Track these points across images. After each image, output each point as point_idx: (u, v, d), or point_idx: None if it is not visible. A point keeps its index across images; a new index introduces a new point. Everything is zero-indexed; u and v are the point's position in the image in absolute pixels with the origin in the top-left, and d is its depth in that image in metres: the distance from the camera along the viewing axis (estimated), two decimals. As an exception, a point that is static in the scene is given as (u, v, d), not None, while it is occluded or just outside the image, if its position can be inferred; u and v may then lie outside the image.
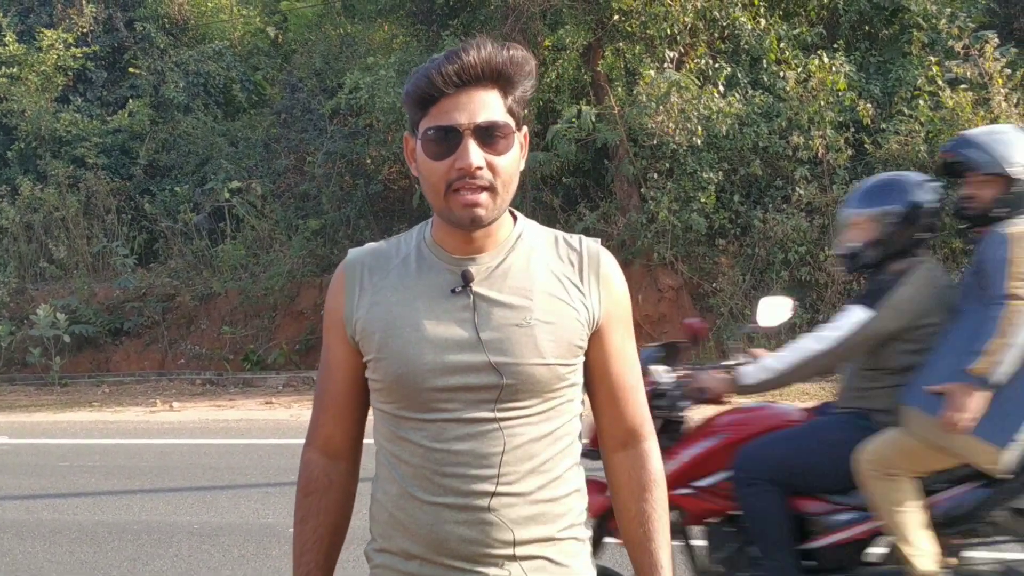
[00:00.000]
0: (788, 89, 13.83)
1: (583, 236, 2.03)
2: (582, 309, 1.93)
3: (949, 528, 3.73)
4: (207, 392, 14.69)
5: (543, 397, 1.88)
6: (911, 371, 3.77)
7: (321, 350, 2.06)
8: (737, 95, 14.05)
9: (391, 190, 16.92)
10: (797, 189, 13.67)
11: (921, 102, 13.55)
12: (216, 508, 7.48)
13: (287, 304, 16.16)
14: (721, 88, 14.12)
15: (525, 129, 1.94)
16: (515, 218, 2.00)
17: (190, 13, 21.26)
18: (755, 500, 3.86)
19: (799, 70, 13.96)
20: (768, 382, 3.93)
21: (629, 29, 14.65)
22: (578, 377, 1.95)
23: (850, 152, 13.71)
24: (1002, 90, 13.06)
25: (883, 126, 13.76)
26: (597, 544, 3.92)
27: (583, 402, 2.01)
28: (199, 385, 15.18)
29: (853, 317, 3.86)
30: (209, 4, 21.66)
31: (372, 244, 2.05)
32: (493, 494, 1.84)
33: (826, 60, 13.73)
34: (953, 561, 3.78)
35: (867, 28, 15.47)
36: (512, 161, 1.88)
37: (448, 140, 1.83)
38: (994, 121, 12.90)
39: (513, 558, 1.86)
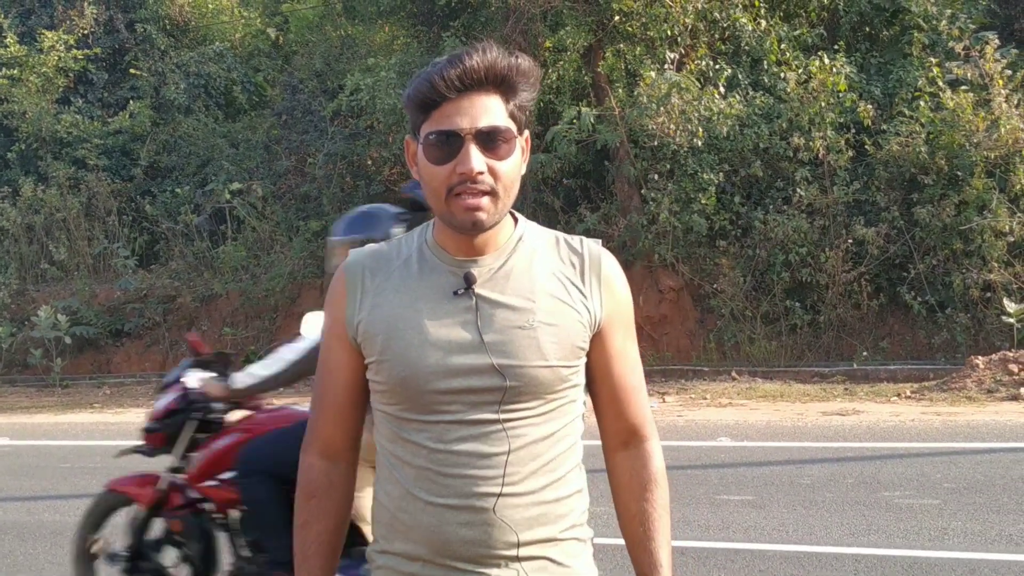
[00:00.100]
0: (789, 90, 13.83)
1: (584, 237, 2.02)
2: (584, 311, 1.93)
3: None
4: (208, 393, 14.66)
5: (546, 398, 1.88)
6: None
7: (320, 353, 2.04)
8: (738, 96, 14.05)
9: (392, 191, 16.91)
10: (798, 190, 13.67)
11: (922, 103, 13.55)
12: (217, 509, 7.47)
13: (288, 305, 16.16)
14: (722, 89, 14.12)
15: (527, 134, 1.94)
16: (516, 220, 1.99)
17: (191, 15, 21.27)
18: (252, 490, 4.25)
19: (800, 71, 13.96)
20: (253, 387, 4.28)
21: (630, 30, 14.65)
22: (580, 378, 1.95)
23: (851, 153, 13.71)
24: (1003, 91, 13.06)
25: (884, 127, 13.77)
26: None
27: (583, 403, 2.01)
28: (200, 386, 15.15)
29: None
30: (210, 6, 21.67)
31: (372, 245, 2.04)
32: (498, 495, 1.84)
33: (827, 61, 13.74)
34: None
35: (868, 29, 15.47)
36: (513, 166, 1.88)
37: (450, 144, 1.83)
38: (995, 122, 12.91)
39: (516, 559, 1.86)
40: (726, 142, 13.90)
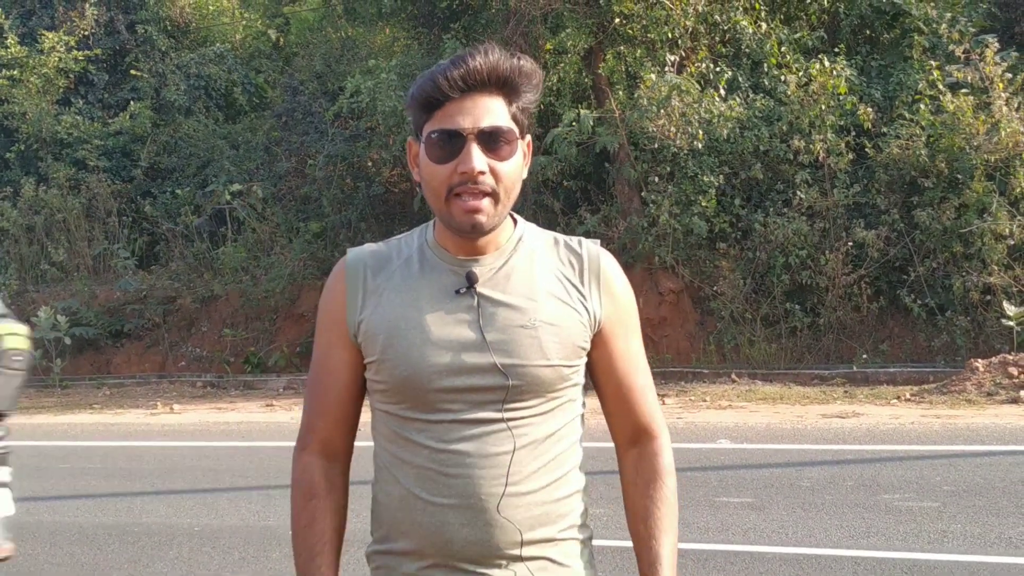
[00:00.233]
0: (789, 93, 13.84)
1: (583, 238, 2.03)
2: (583, 311, 1.93)
3: None
4: (208, 394, 14.69)
5: (547, 397, 1.88)
6: None
7: (314, 351, 2.03)
8: (738, 99, 14.06)
9: (392, 193, 16.93)
10: (798, 193, 13.67)
11: (922, 106, 13.56)
12: (217, 510, 7.49)
13: (288, 307, 16.17)
14: (722, 92, 14.13)
15: (528, 137, 1.94)
16: (515, 221, 2.00)
17: (191, 16, 21.29)
18: None
19: (800, 74, 13.97)
20: None
21: (630, 33, 14.66)
22: (580, 377, 1.96)
23: (851, 156, 13.71)
24: (1003, 94, 13.06)
25: (884, 130, 13.77)
26: None
27: (583, 403, 2.01)
28: (200, 387, 15.18)
29: None
30: (211, 7, 21.69)
31: (371, 245, 2.04)
32: (502, 495, 1.84)
33: (827, 64, 13.74)
34: None
35: (868, 32, 15.48)
36: (515, 167, 1.89)
37: (451, 144, 1.83)
38: (995, 125, 12.91)
39: (519, 559, 1.87)
40: (726, 144, 13.90)
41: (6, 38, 19.23)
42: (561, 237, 2.02)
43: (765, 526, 6.35)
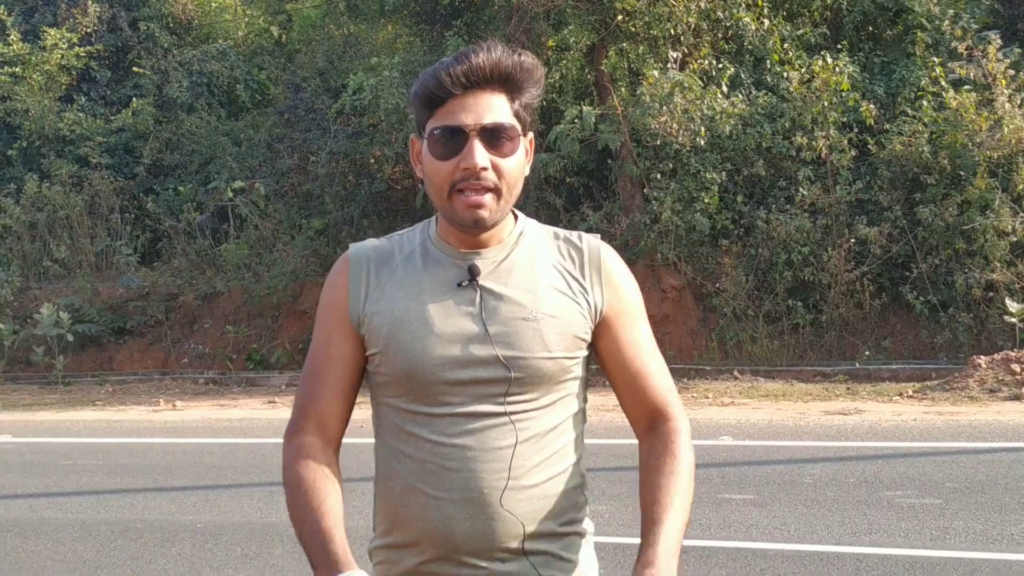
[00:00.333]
0: (792, 90, 13.83)
1: (583, 232, 2.05)
2: (584, 303, 1.94)
3: None
4: (210, 391, 14.70)
5: (549, 390, 1.89)
6: None
7: (313, 341, 2.01)
8: (740, 95, 14.05)
9: (394, 190, 16.92)
10: (800, 190, 13.67)
11: (925, 103, 13.55)
12: (219, 507, 7.49)
13: (290, 303, 16.17)
14: (724, 88, 14.12)
15: (531, 135, 1.95)
16: (516, 217, 2.01)
17: (194, 13, 21.28)
18: None
19: (803, 71, 13.96)
20: None
21: (633, 29, 14.64)
22: (581, 371, 1.96)
23: (853, 153, 13.71)
24: (1005, 91, 13.05)
25: (887, 127, 13.77)
26: None
27: (585, 398, 2.01)
28: (202, 384, 15.19)
29: None
30: (213, 4, 21.67)
31: (373, 240, 2.05)
32: (504, 488, 1.84)
33: (829, 61, 13.73)
34: None
35: (871, 29, 15.46)
36: (517, 164, 1.89)
37: (454, 140, 1.84)
38: (998, 122, 12.91)
39: (522, 552, 1.87)
40: (729, 141, 13.89)
41: (8, 35, 19.23)
42: (561, 232, 2.03)
43: (767, 523, 6.35)
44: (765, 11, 14.83)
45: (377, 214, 16.42)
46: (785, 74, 14.12)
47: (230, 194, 17.32)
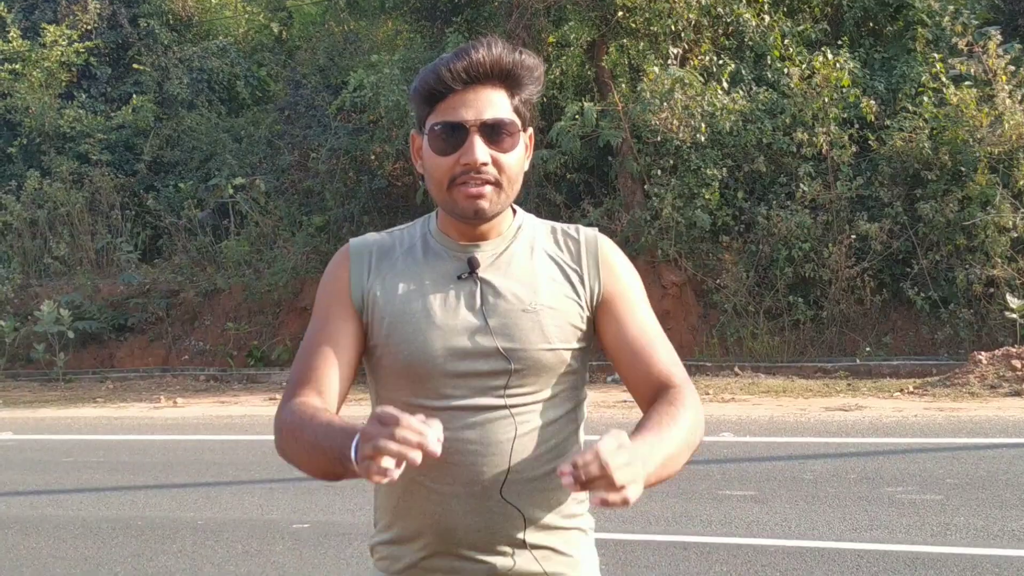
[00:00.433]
0: (792, 86, 13.83)
1: (580, 225, 2.05)
2: (582, 290, 1.94)
3: None
4: (211, 388, 14.71)
5: (549, 382, 1.90)
6: None
7: (312, 322, 1.98)
8: (741, 92, 14.04)
9: (395, 186, 16.92)
10: (801, 186, 13.66)
11: (925, 99, 13.55)
12: (220, 504, 7.50)
13: (291, 300, 16.18)
14: (725, 85, 14.11)
15: (531, 130, 1.95)
16: (514, 211, 2.02)
17: (194, 9, 21.27)
18: None
19: (803, 66, 13.96)
20: None
21: (633, 25, 14.63)
22: (580, 364, 1.96)
23: (854, 149, 13.71)
24: (1006, 87, 13.04)
25: (887, 123, 13.77)
26: None
27: (584, 392, 2.02)
28: (203, 381, 15.20)
29: None
30: (213, 0, 21.66)
31: (373, 234, 2.05)
32: (504, 482, 1.85)
33: (830, 56, 13.72)
34: None
35: (871, 25, 15.45)
36: (517, 159, 1.90)
37: (455, 136, 1.85)
38: (999, 118, 12.90)
39: (523, 545, 1.88)
40: (729, 137, 13.89)
41: (8, 32, 19.22)
42: (559, 225, 2.05)
43: (768, 519, 6.35)
44: (766, 7, 14.82)
45: (378, 211, 16.41)
46: (786, 70, 14.12)
47: (231, 191, 17.32)
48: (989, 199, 12.82)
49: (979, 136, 12.94)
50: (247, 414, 12.09)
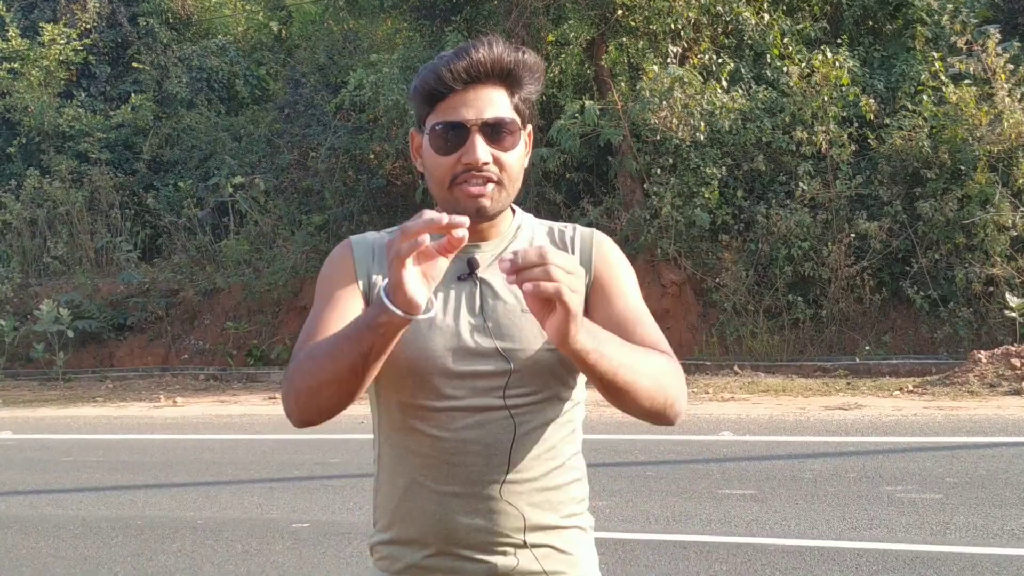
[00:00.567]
0: (791, 84, 13.83)
1: (578, 225, 2.05)
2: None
3: None
4: (210, 387, 14.71)
5: (549, 383, 1.89)
6: None
7: (315, 303, 1.94)
8: (740, 90, 14.04)
9: (394, 185, 16.92)
10: (800, 184, 13.66)
11: (925, 97, 13.55)
12: (219, 503, 7.49)
13: (290, 299, 16.18)
14: (724, 83, 14.11)
15: (530, 128, 1.95)
16: (513, 211, 2.02)
17: (193, 8, 21.28)
18: None
19: (803, 65, 13.95)
20: None
21: (632, 24, 14.64)
22: None
23: (853, 147, 13.71)
24: (1005, 85, 13.04)
25: (887, 121, 13.76)
26: None
27: (583, 392, 2.01)
28: (202, 380, 15.20)
29: None
30: (212, -1, 21.69)
31: (372, 233, 2.05)
32: (504, 482, 1.85)
33: (829, 55, 13.72)
34: None
35: (871, 23, 15.46)
36: (518, 157, 1.90)
37: (456, 136, 1.85)
38: (998, 116, 12.90)
39: (523, 545, 1.87)
40: (729, 136, 13.90)
41: (7, 31, 19.21)
42: (556, 225, 2.05)
43: (768, 518, 6.35)
44: (765, 5, 14.83)
45: (377, 210, 16.41)
46: (785, 69, 14.12)
47: (230, 190, 17.32)
48: (988, 198, 12.82)
49: (978, 135, 12.95)
50: (247, 413, 12.09)
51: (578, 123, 13.98)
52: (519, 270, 1.56)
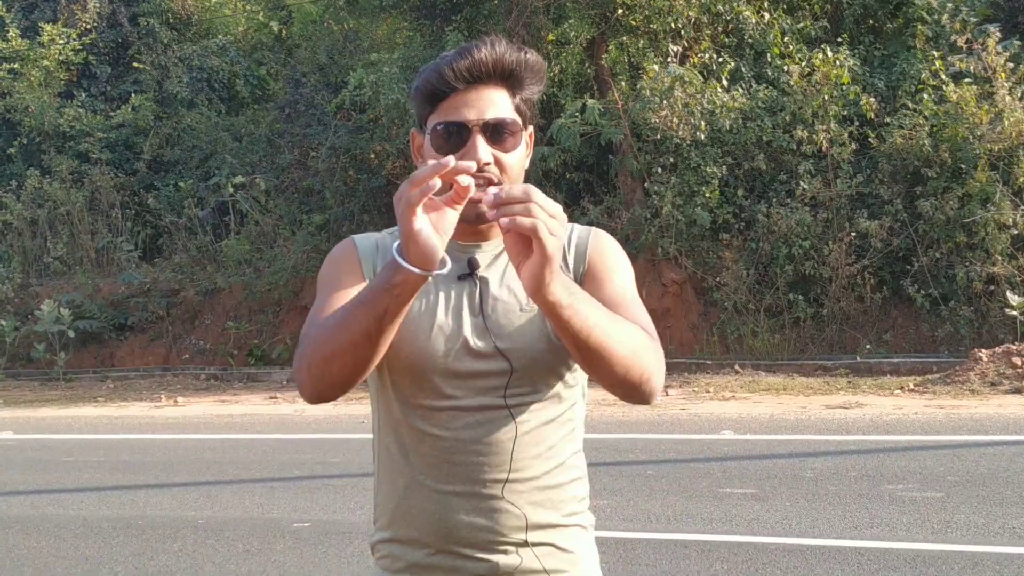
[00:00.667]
0: (792, 83, 13.82)
1: (576, 224, 2.05)
2: (571, 276, 1.93)
3: None
4: (211, 387, 14.71)
5: (549, 382, 1.89)
6: None
7: (321, 292, 1.93)
8: (741, 89, 14.04)
9: (395, 185, 16.88)
10: (801, 183, 13.66)
11: (925, 96, 13.54)
12: (220, 503, 7.50)
13: (291, 299, 16.18)
14: (725, 82, 14.11)
15: (531, 128, 1.95)
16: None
17: (194, 8, 21.27)
18: None
19: (803, 64, 13.95)
20: None
21: (633, 23, 14.63)
22: None
23: (854, 146, 13.70)
24: (1006, 84, 13.04)
25: (887, 120, 13.76)
26: None
27: (583, 392, 2.01)
28: (203, 380, 15.20)
29: None
30: (212, -1, 21.69)
31: (374, 233, 2.05)
32: (506, 481, 1.85)
33: (830, 54, 13.72)
34: None
35: (871, 22, 15.46)
36: (519, 158, 1.90)
37: (457, 136, 1.84)
38: (999, 115, 12.89)
39: (525, 544, 1.88)
40: (729, 135, 13.89)
41: (7, 31, 19.22)
42: None
43: (769, 517, 6.35)
44: (765, 4, 14.82)
45: (377, 209, 16.41)
46: (785, 68, 14.11)
47: (231, 190, 17.33)
48: (989, 196, 12.82)
49: (979, 133, 12.94)
50: (248, 413, 12.09)
51: (579, 121, 13.98)
52: (502, 204, 1.56)
